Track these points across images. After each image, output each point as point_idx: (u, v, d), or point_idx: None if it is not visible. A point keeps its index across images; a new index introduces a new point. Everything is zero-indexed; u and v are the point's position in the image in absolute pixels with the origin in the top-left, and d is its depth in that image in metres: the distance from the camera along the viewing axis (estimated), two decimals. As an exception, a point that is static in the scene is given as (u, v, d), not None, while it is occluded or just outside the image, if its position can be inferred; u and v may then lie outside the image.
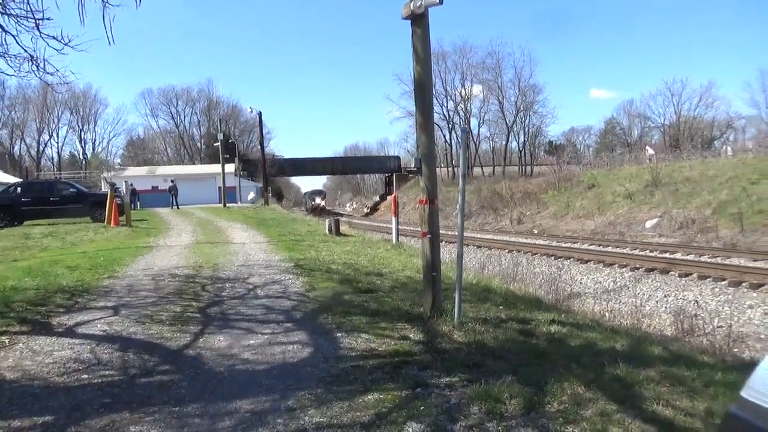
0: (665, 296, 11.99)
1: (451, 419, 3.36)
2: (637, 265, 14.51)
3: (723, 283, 11.95)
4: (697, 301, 11.16)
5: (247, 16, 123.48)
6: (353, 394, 3.76)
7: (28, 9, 6.68)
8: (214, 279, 8.38)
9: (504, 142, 70.44)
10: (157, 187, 45.86)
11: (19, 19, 6.69)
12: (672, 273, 13.37)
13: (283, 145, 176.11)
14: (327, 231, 16.11)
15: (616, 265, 15.04)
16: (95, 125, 76.16)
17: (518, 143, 71.08)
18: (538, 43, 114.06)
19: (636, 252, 17.50)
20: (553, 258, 17.31)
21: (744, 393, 0.96)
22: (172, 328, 5.58)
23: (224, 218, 23.76)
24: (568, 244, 20.57)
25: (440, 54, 65.08)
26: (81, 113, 73.92)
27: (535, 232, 29.81)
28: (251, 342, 5.09)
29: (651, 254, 16.63)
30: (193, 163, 71.59)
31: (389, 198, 66.85)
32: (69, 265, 9.81)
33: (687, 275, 12.97)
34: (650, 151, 58.84)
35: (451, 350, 4.74)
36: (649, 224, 24.85)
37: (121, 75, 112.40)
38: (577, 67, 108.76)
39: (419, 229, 6.19)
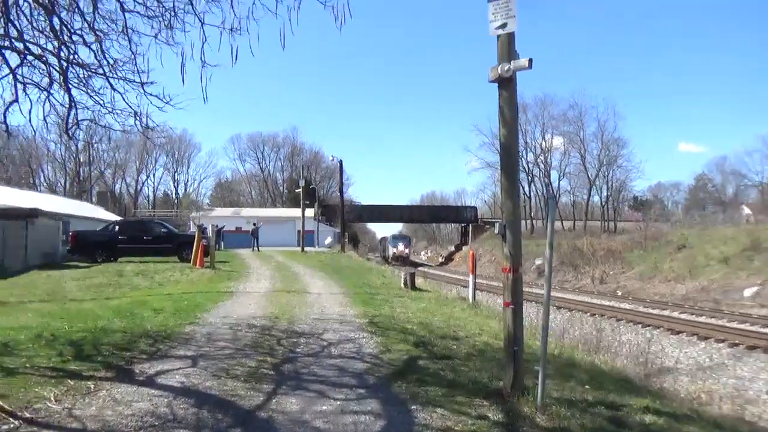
0: (772, 379, 10.85)
1: None
2: (737, 341, 13.27)
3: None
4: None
5: (331, 67, 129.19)
6: (428, 482, 3.52)
7: (136, 71, 7.26)
8: (290, 332, 8.40)
9: (585, 196, 68.34)
10: (241, 227, 47.79)
11: (127, 80, 7.26)
12: (779, 352, 12.21)
13: (361, 191, 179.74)
14: (402, 284, 15.97)
15: (712, 339, 13.83)
16: (188, 167, 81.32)
17: (601, 197, 68.71)
18: (622, 95, 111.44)
19: (734, 324, 16.06)
20: (640, 326, 16.19)
21: None
22: (246, 385, 5.57)
23: (301, 263, 24.21)
24: (657, 311, 19.26)
25: (521, 106, 64.59)
26: (176, 156, 79.27)
27: (619, 293, 28.23)
28: (323, 408, 4.97)
29: (752, 328, 15.19)
30: (275, 206, 74.37)
31: (464, 249, 66.02)
32: (155, 308, 10.21)
33: (798, 356, 11.80)
34: (747, 210, 55.02)
35: (534, 437, 4.39)
36: (747, 292, 22.91)
37: (213, 121, 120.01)
38: (664, 121, 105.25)
39: (495, 283, 5.95)
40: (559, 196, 69.19)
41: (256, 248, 35.40)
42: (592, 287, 31.87)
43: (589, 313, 18.53)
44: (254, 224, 38.13)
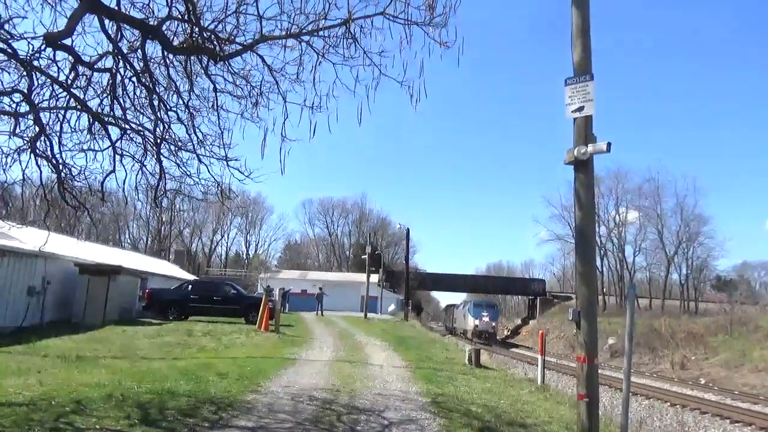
0: None
1: None
2: None
3: None
4: None
5: (402, 135, 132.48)
6: None
7: (221, 145, 7.72)
8: (350, 408, 8.22)
9: (663, 273, 64.77)
10: (306, 290, 48.39)
11: (213, 155, 7.73)
12: None
13: (426, 259, 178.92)
14: (466, 360, 15.43)
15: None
16: (260, 229, 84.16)
17: (680, 276, 64.87)
18: (702, 170, 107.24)
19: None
20: (728, 421, 14.74)
21: None
22: (305, 464, 5.43)
23: (364, 332, 24.01)
24: (747, 405, 17.53)
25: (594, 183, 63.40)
26: (249, 218, 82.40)
27: (703, 382, 26.04)
28: (383, 498, 4.74)
29: None
30: (341, 270, 75.16)
31: (532, 322, 63.52)
32: (219, 372, 10.33)
33: None
34: None
35: None
36: None
37: (286, 186, 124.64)
38: (749, 197, 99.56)
39: (565, 362, 5.61)
40: (634, 272, 66.11)
41: (320, 312, 35.60)
42: (672, 373, 29.62)
43: (669, 403, 17.12)
44: (320, 289, 38.51)
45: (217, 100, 7.76)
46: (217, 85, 7.72)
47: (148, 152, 8.21)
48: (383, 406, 8.51)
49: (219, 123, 7.86)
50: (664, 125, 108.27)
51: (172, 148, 8.22)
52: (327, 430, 6.82)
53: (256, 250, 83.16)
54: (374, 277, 49.28)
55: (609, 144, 6.02)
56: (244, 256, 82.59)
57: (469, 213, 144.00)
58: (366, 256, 41.51)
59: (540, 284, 69.22)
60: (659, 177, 65.83)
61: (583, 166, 6.12)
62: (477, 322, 44.36)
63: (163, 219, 72.73)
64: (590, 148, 6.00)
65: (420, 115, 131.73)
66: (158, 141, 8.01)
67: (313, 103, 7.07)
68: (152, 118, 7.91)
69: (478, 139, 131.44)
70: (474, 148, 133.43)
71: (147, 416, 6.83)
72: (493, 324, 45.23)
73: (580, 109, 6.10)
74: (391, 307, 48.40)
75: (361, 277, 45.50)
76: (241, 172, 7.77)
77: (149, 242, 73.39)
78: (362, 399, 8.95)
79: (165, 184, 8.35)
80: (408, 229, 46.42)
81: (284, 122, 7.15)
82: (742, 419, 14.74)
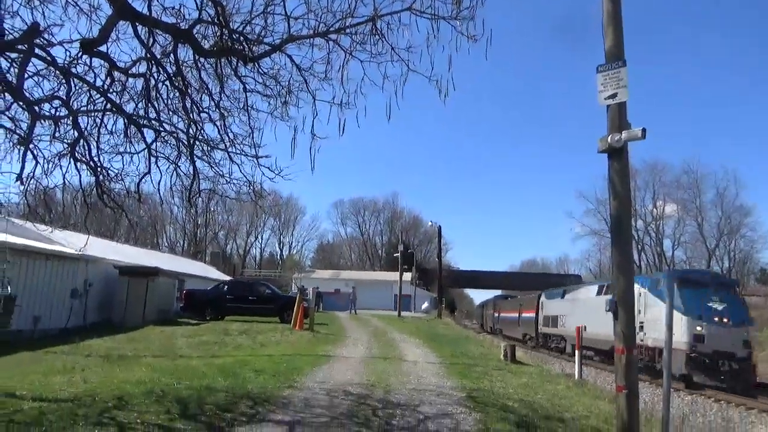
0: None
1: None
2: None
3: None
4: None
5: (433, 133, 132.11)
6: None
7: (252, 144, 7.83)
8: (386, 402, 8.23)
9: (704, 267, 62.91)
10: (339, 290, 48.74)
11: (244, 154, 7.85)
12: None
13: (459, 256, 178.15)
14: (502, 356, 15.29)
15: None
16: (293, 230, 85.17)
17: (722, 269, 62.81)
18: (743, 161, 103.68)
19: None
20: (777, 417, 14.19)
21: None
22: (341, 458, 5.46)
23: (398, 329, 24.03)
24: (796, 400, 16.78)
25: (629, 172, 62.07)
26: (282, 219, 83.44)
27: (748, 377, 25.04)
28: (419, 490, 4.73)
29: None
30: (373, 269, 75.40)
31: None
32: (256, 369, 10.48)
33: None
34: None
35: None
36: None
37: (318, 186, 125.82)
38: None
39: (601, 357, 5.47)
40: (674, 265, 64.36)
41: (353, 311, 35.79)
42: (716, 368, 28.65)
43: (712, 399, 16.60)
44: (353, 288, 38.75)
45: (247, 100, 7.90)
46: (247, 85, 7.86)
47: (182, 153, 8.41)
48: (418, 400, 8.50)
49: (249, 123, 7.99)
50: (702, 116, 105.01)
51: (205, 148, 8.40)
52: (362, 425, 6.85)
53: (289, 251, 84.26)
54: (407, 276, 49.30)
55: (644, 130, 5.88)
56: (278, 257, 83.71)
57: (502, 210, 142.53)
58: (398, 255, 41.55)
59: (576, 280, 68.05)
60: (697, 169, 64.05)
61: (617, 154, 5.99)
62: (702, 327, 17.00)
63: (199, 222, 74.23)
64: (624, 135, 5.88)
65: (449, 111, 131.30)
66: (191, 142, 8.19)
67: (341, 101, 7.13)
68: (185, 119, 8.09)
69: (509, 136, 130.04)
70: (505, 145, 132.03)
71: (186, 411, 6.98)
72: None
73: (614, 95, 5.97)
74: (425, 305, 48.34)
75: (394, 275, 45.56)
76: (271, 171, 7.88)
77: (186, 245, 74.95)
78: (397, 394, 8.95)
79: (199, 184, 8.53)
80: (440, 227, 46.31)
81: (313, 120, 7.22)
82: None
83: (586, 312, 23.82)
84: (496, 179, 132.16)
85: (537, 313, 32.53)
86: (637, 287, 16.80)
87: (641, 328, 19.90)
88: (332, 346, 15.91)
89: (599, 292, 24.23)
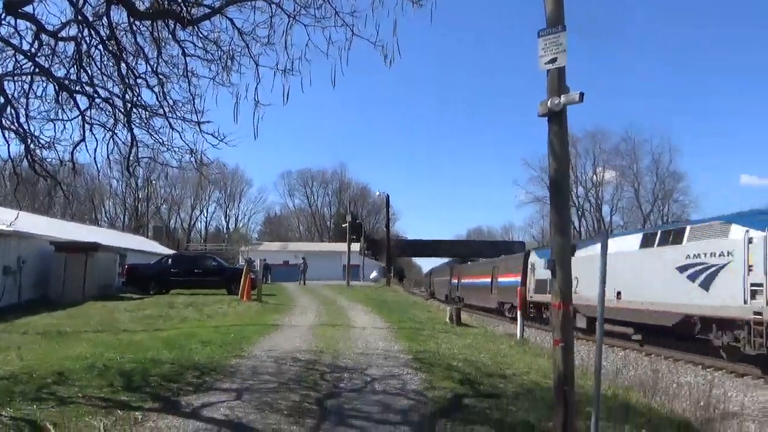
0: None
1: None
2: (814, 387, 12.22)
3: None
4: None
5: (379, 103, 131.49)
6: None
7: (193, 110, 7.59)
8: (334, 367, 8.35)
9: (639, 231, 66.12)
10: (288, 261, 48.49)
11: (185, 120, 7.61)
12: None
13: (407, 226, 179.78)
14: (447, 319, 15.72)
15: (783, 383, 12.85)
16: (239, 203, 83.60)
17: (655, 233, 66.23)
18: (677, 128, 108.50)
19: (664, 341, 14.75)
20: (700, 367, 15.28)
21: None
22: (289, 420, 5.53)
23: (347, 298, 24.24)
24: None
25: (571, 139, 63.70)
26: (228, 192, 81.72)
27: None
28: (366, 446, 4.87)
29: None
30: (322, 241, 75.30)
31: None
32: (202, 340, 10.39)
33: None
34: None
35: (587, 483, 4.16)
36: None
37: (265, 158, 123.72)
38: (724, 152, 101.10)
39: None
40: (612, 230, 67.29)
41: (302, 282, 35.77)
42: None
43: (644, 353, 17.67)
44: (303, 259, 38.66)
45: (186, 65, 7.61)
46: (186, 50, 7.56)
47: (119, 121, 8.06)
48: (366, 364, 8.66)
49: (190, 89, 7.72)
50: (639, 82, 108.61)
51: (144, 115, 8.07)
52: (310, 388, 6.94)
53: (236, 224, 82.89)
54: (356, 246, 49.52)
55: (581, 94, 6.02)
56: (225, 231, 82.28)
57: (449, 179, 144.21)
58: (347, 225, 41.61)
59: (519, 247, 70.11)
60: (635, 136, 66.69)
61: (556, 118, 6.12)
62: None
63: (139, 195, 71.80)
64: (563, 98, 6.00)
65: (396, 79, 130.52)
66: (128, 109, 7.86)
67: (285, 67, 6.96)
68: (121, 85, 7.73)
69: (456, 105, 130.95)
70: (451, 113, 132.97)
71: (130, 383, 6.88)
72: None
73: (553, 60, 6.07)
74: (373, 274, 48.82)
75: (343, 246, 45.66)
76: (215, 137, 7.66)
77: (126, 220, 72.47)
78: (345, 358, 9.09)
79: (137, 152, 8.22)
80: (388, 196, 46.55)
81: (257, 87, 7.03)
82: (713, 365, 15.28)
83: (620, 271, 17.50)
84: (443, 148, 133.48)
85: (524, 278, 25.69)
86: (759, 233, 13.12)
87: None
88: (281, 315, 15.91)
89: (647, 243, 17.67)
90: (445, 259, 62.25)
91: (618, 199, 67.90)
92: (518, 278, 26.79)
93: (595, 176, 68.00)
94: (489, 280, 32.08)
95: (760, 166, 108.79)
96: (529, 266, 25.89)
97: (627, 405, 7.30)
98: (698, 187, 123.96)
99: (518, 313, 14.74)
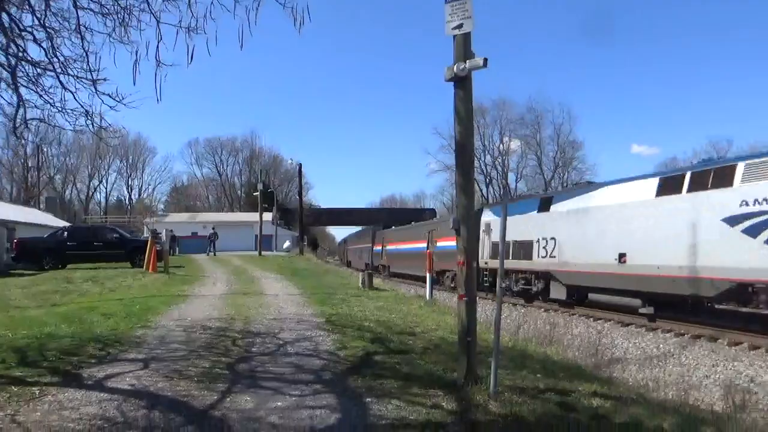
0: (713, 366, 11.31)
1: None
2: (683, 331, 13.81)
3: (778, 353, 11.18)
4: (750, 375, 10.47)
5: (290, 70, 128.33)
6: (382, 469, 3.55)
7: (88, 69, 7.06)
8: (245, 333, 8.31)
9: (541, 197, 69.90)
10: (197, 233, 46.91)
11: (78, 78, 7.05)
12: (721, 341, 12.67)
13: (320, 195, 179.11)
14: (360, 284, 16.00)
15: (660, 330, 14.36)
16: (143, 172, 79.33)
17: (556, 199, 70.34)
18: (577, 98, 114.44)
19: (681, 316, 16.64)
20: (591, 320, 16.66)
21: None
22: (199, 385, 5.48)
23: (259, 267, 23.93)
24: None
25: (479, 109, 65.88)
26: (130, 161, 77.21)
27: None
28: (278, 404, 4.94)
29: (698, 319, 15.79)
30: (233, 211, 73.31)
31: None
32: (104, 313, 9.93)
33: (737, 344, 12.25)
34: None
35: (486, 423, 4.48)
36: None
37: (170, 125, 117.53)
38: (617, 123, 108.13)
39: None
40: (517, 197, 70.63)
41: (212, 253, 34.81)
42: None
43: (543, 309, 18.97)
44: (212, 228, 37.53)
45: (78, 19, 7.02)
46: (78, 2, 6.97)
47: (2, 79, 7.35)
48: (278, 328, 8.69)
49: (83, 45, 7.14)
50: (545, 53, 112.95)
51: (31, 73, 7.40)
52: (222, 354, 6.88)
53: (140, 195, 78.71)
54: (268, 216, 48.70)
55: (486, 59, 6.23)
56: (127, 202, 77.96)
57: (361, 148, 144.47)
58: (258, 194, 40.72)
59: (431, 214, 71.85)
60: (539, 106, 69.89)
61: (462, 83, 6.32)
62: None
63: (29, 164, 66.17)
64: (468, 63, 6.19)
65: (307, 45, 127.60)
66: (12, 65, 7.17)
67: (189, 25, 6.60)
68: (3, 39, 7.03)
69: (368, 73, 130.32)
70: (363, 80, 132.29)
71: (25, 359, 6.49)
72: None
73: (460, 26, 6.24)
74: (286, 244, 48.28)
75: (255, 216, 44.67)
76: (112, 98, 7.15)
77: (14, 191, 66.69)
78: (257, 325, 9.06)
79: (25, 113, 7.55)
80: (300, 165, 45.87)
81: (158, 45, 6.61)
82: (603, 317, 16.69)
83: (623, 228, 14.75)
84: (356, 116, 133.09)
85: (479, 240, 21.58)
86: None
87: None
88: (189, 286, 15.48)
89: (669, 189, 13.88)
90: (359, 228, 62.42)
91: (523, 167, 71.26)
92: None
93: (501, 145, 70.75)
94: (424, 245, 27.77)
95: (649, 137, 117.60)
96: (482, 227, 21.82)
97: (525, 354, 7.86)
98: (594, 155, 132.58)
99: (428, 276, 15.25)
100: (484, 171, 70.08)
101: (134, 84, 6.88)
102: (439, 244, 25.81)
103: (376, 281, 17.39)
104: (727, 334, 13.07)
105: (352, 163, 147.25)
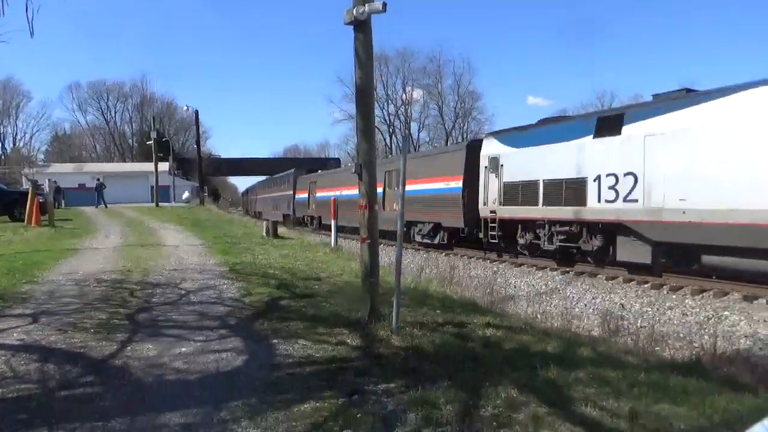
0: (593, 298, 12.51)
1: (387, 427, 3.35)
2: (567, 269, 15.06)
3: (646, 285, 12.59)
4: (622, 304, 11.70)
5: (185, 8, 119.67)
6: (289, 403, 3.68)
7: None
8: (144, 284, 8.05)
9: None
10: (85, 184, 43.76)
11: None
12: (600, 276, 13.98)
13: (221, 145, 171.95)
14: (264, 233, 15.84)
15: (548, 269, 15.56)
16: (16, 119, 71.91)
17: (456, 148, 72.43)
18: (477, 49, 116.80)
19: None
20: (488, 262, 17.69)
21: None
22: (97, 337, 5.30)
23: (156, 219, 22.91)
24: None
25: (382, 58, 65.52)
26: (1, 105, 69.57)
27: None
28: (183, 350, 4.91)
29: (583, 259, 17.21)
30: (125, 161, 68.84)
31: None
32: (-18, 269, 9.17)
33: (613, 278, 13.58)
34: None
35: (389, 356, 4.73)
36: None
37: (47, 68, 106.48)
38: (514, 75, 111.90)
39: (357, 227, 6.20)
40: (419, 146, 71.89)
41: (101, 205, 32.74)
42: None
43: (444, 254, 19.83)
44: (97, 180, 35.14)
45: None
46: None
47: None
48: (179, 279, 8.49)
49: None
50: (448, 3, 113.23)
51: None
52: (119, 305, 6.66)
53: (15, 144, 71.54)
54: (164, 166, 46.29)
55: (384, 4, 6.21)
56: (0, 151, 70.71)
57: (263, 97, 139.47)
58: (152, 143, 38.41)
59: (335, 163, 71.64)
60: (440, 56, 70.57)
61: (361, 26, 6.28)
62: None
63: None
64: (367, 7, 6.15)
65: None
66: None
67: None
68: None
69: (269, 18, 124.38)
70: (263, 26, 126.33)
71: None
72: None
73: (359, -32, 6.14)
74: (186, 195, 46.38)
75: (149, 166, 42.17)
76: (-29, 29, 6.42)
77: None
78: (157, 276, 8.79)
79: None
80: (197, 111, 43.50)
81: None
82: (498, 259, 17.80)
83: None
84: (257, 63, 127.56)
85: (470, 182, 17.60)
86: None
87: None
88: (79, 239, 14.56)
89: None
90: (262, 177, 60.46)
91: (425, 117, 72.32)
92: (455, 183, 18.40)
93: (404, 94, 71.14)
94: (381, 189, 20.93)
95: (544, 89, 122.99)
96: (484, 162, 17.04)
97: (426, 293, 8.27)
98: (492, 106, 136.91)
99: (333, 222, 15.36)
100: (387, 121, 70.50)
101: (3, 15, 6.22)
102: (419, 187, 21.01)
103: (282, 230, 17.29)
104: (606, 270, 14.43)
105: (254, 113, 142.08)
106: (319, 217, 29.88)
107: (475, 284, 14.06)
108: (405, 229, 7.63)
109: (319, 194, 30.18)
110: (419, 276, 13.18)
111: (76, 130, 79.24)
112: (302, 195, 33.99)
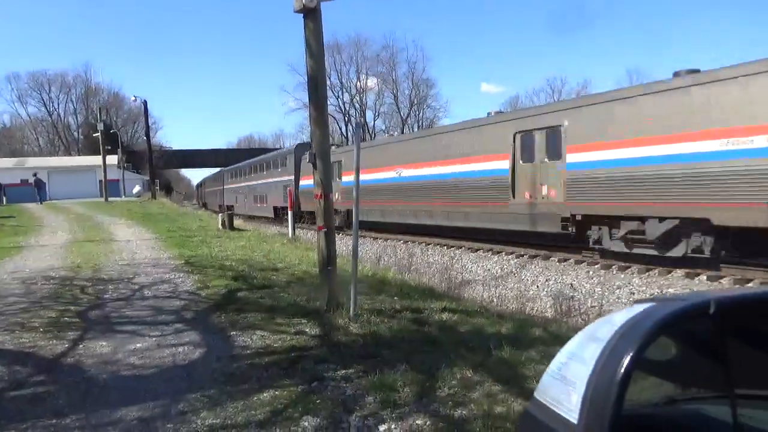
0: (546, 281, 12.89)
1: (346, 411, 3.41)
2: (522, 253, 15.44)
3: (596, 266, 13.04)
4: (573, 284, 12.10)
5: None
6: (248, 392, 3.69)
7: None
8: (95, 280, 7.85)
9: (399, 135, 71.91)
10: (27, 180, 41.96)
11: None
12: (552, 259, 14.39)
13: (173, 136, 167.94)
14: (220, 226, 15.63)
15: (503, 253, 15.91)
16: (-51, 111, 68.14)
17: (412, 135, 72.83)
18: (430, 37, 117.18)
19: (520, 240, 18.51)
20: (446, 248, 17.95)
21: (536, 394, 1.10)
22: (47, 336, 5.16)
23: (106, 213, 22.24)
24: (461, 234, 21.38)
25: (335, 46, 64.95)
26: (-70, 98, 65.77)
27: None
28: (138, 346, 4.84)
29: (535, 242, 17.69)
30: (70, 155, 66.22)
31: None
32: None
33: (565, 260, 14.00)
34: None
35: (347, 342, 4.79)
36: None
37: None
38: (468, 63, 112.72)
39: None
40: (374, 135, 71.86)
41: (44, 200, 31.49)
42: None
43: (402, 241, 20.00)
44: (34, 174, 33.78)
45: None
46: None
47: None
48: (132, 273, 8.32)
49: None
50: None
51: None
52: (69, 303, 6.49)
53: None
54: (113, 159, 44.84)
55: (334, -9, 6.22)
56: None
57: (215, 87, 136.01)
58: (99, 135, 37.10)
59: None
60: (394, 44, 70.56)
61: (312, 14, 6.26)
62: None
63: None
64: (317, -6, 6.14)
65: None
66: None
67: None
68: None
69: (220, 5, 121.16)
70: (213, 16, 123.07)
71: None
72: None
73: (308, -45, 6.10)
74: (136, 189, 45.04)
75: (97, 160, 40.76)
76: None
77: None
78: (108, 271, 8.58)
79: None
80: (145, 101, 42.20)
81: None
82: (456, 245, 18.08)
83: None
84: (207, 50, 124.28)
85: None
86: None
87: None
88: (24, 237, 14.02)
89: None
90: (216, 169, 58.89)
91: (380, 105, 72.25)
92: (502, 162, 14.72)
93: (359, 83, 70.83)
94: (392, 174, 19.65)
95: (497, 76, 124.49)
96: (517, 141, 13.96)
97: (384, 281, 8.35)
98: (446, 93, 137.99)
99: (290, 213, 15.28)
100: (343, 109, 70.10)
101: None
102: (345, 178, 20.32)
103: (238, 222, 17.08)
104: (558, 253, 14.87)
105: (206, 103, 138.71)
106: (346, 211, 21.00)
107: (432, 270, 14.27)
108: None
109: (346, 178, 21.24)
110: (377, 264, 13.30)
111: (16, 122, 75.69)
112: (309, 181, 23.17)
